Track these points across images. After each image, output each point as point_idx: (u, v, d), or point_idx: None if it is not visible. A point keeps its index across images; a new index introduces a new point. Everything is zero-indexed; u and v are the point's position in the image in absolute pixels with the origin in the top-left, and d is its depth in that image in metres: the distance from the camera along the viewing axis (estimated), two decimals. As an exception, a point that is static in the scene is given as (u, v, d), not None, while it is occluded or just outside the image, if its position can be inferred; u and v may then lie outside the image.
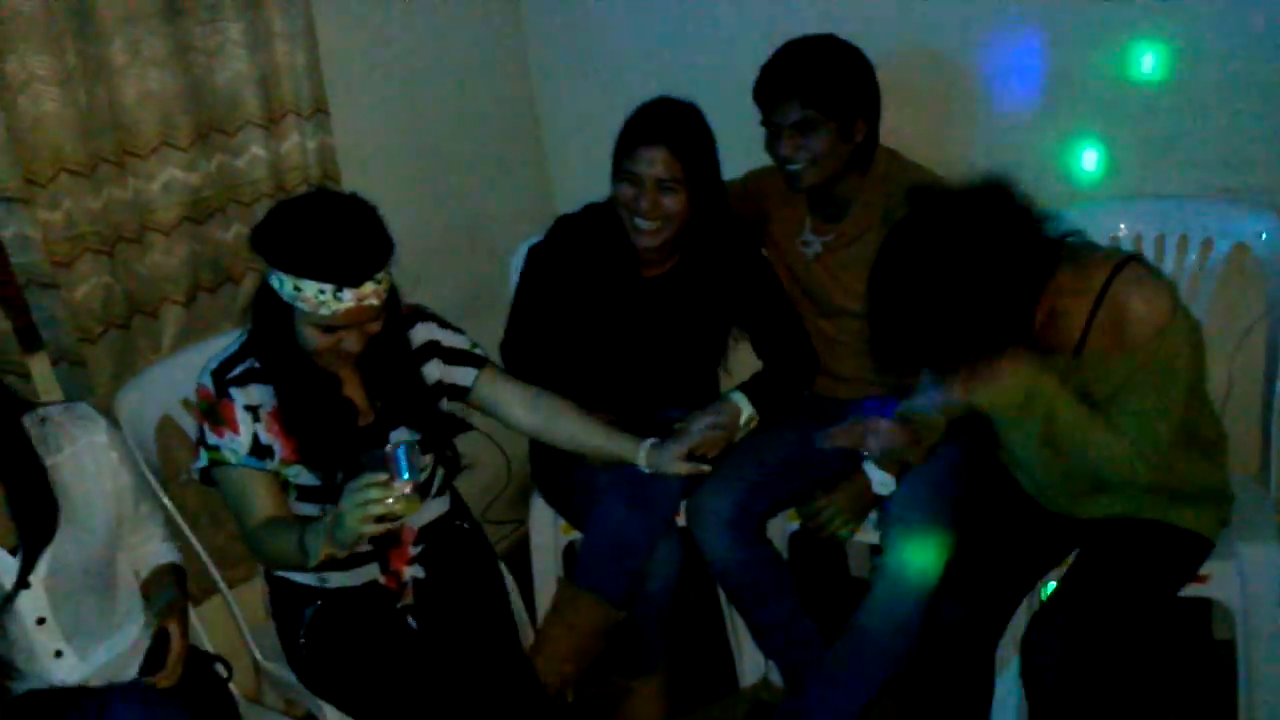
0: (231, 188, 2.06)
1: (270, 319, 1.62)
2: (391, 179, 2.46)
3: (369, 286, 1.56)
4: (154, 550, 1.70)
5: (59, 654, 1.55)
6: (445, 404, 1.84)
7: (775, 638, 2.12)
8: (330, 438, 1.66)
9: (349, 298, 1.55)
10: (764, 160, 2.08)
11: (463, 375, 1.85)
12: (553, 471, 2.18)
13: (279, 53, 2.08)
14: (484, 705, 1.69)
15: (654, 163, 1.94)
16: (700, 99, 2.32)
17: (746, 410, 2.06)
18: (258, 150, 2.08)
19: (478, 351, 1.87)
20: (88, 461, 1.56)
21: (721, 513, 2.02)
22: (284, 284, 1.56)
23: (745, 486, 2.05)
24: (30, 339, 1.82)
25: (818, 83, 1.92)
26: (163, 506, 1.74)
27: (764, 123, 2.00)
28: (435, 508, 1.85)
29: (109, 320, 1.87)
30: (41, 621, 1.52)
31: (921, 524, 1.91)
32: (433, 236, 2.58)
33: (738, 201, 2.23)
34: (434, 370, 1.82)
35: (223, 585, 1.90)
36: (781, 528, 2.19)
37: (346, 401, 1.70)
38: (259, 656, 1.90)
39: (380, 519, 1.47)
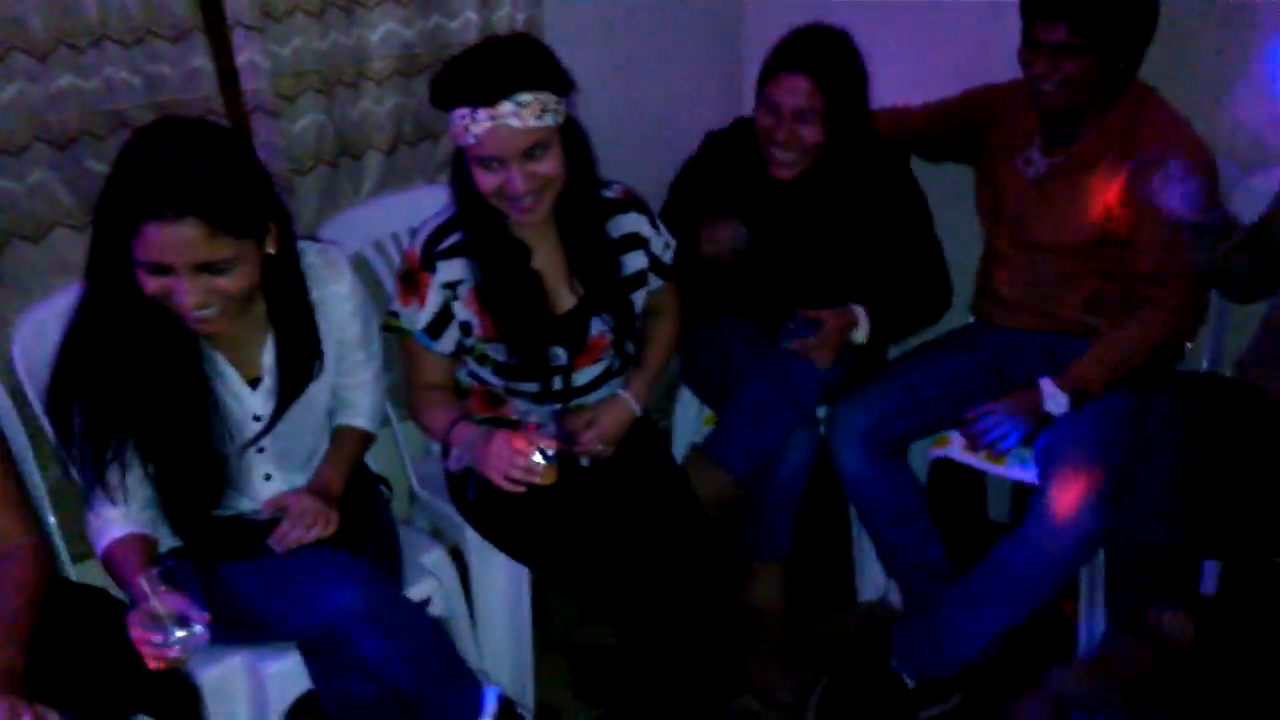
0: (443, 47, 2.14)
1: (462, 182, 1.66)
2: (592, 63, 2.48)
3: (506, 106, 1.52)
4: (354, 403, 1.75)
5: (268, 477, 1.65)
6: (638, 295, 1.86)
7: (900, 559, 2.13)
8: (519, 313, 1.70)
9: (484, 117, 1.52)
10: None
11: (655, 281, 1.87)
12: (701, 356, 2.22)
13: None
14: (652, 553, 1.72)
15: (795, 92, 1.93)
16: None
17: (863, 325, 2.05)
18: (471, 15, 2.15)
19: (667, 256, 1.87)
20: (332, 309, 1.62)
21: (859, 426, 2.03)
22: (448, 126, 1.59)
23: (889, 405, 2.05)
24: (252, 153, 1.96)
25: (1095, 7, 1.81)
26: (375, 356, 1.75)
27: (1024, 34, 1.91)
28: (612, 388, 1.90)
29: (319, 156, 2.01)
30: (261, 450, 1.62)
31: (1089, 463, 1.81)
32: (623, 129, 2.61)
33: (956, 116, 2.21)
34: (637, 261, 1.82)
35: (394, 416, 2.03)
36: (923, 454, 2.18)
37: (535, 276, 1.72)
38: (416, 485, 2.04)
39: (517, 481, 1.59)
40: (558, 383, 1.80)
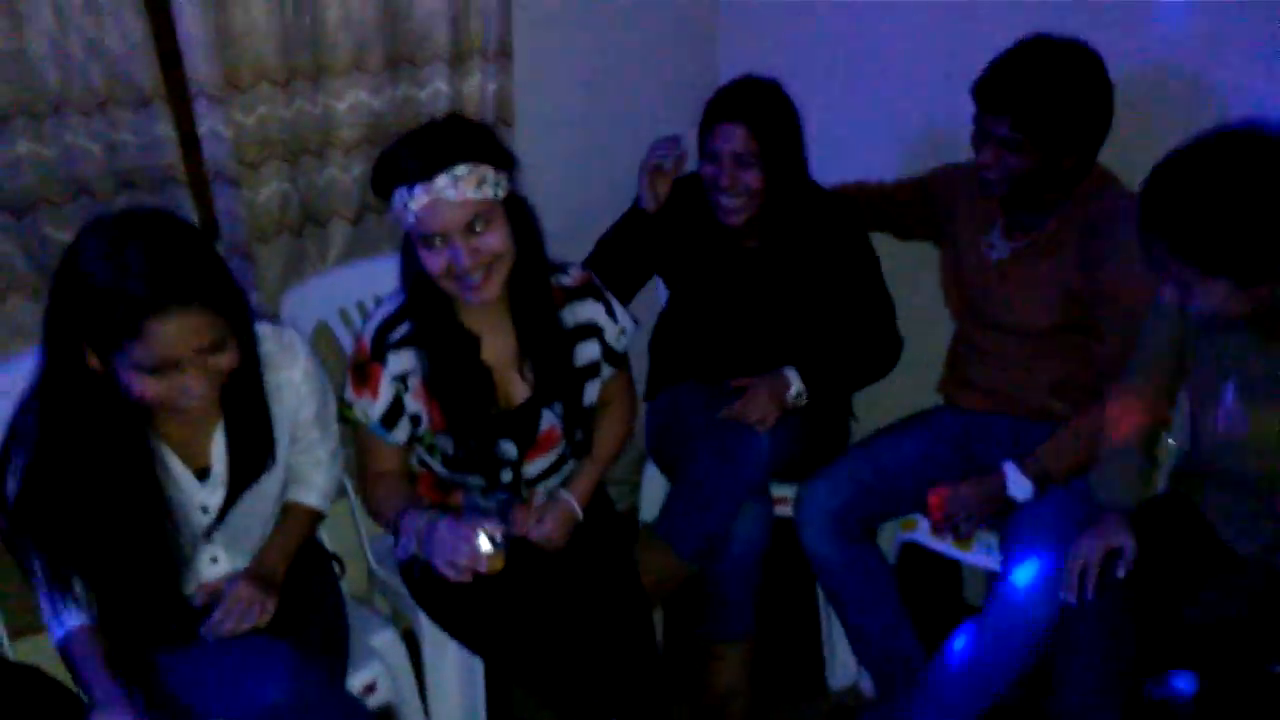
0: (412, 118, 2.13)
1: (410, 269, 1.62)
2: (565, 131, 2.52)
3: (442, 179, 1.49)
4: (306, 479, 1.72)
5: (214, 560, 1.61)
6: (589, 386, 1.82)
7: (872, 646, 2.09)
8: (467, 407, 1.67)
9: (420, 193, 1.50)
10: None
11: (607, 371, 1.83)
12: (660, 428, 2.21)
13: (474, -8, 2.15)
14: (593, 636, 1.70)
15: (732, 138, 1.97)
16: (884, 87, 2.26)
17: (795, 385, 2.04)
18: (441, 85, 2.14)
19: (621, 345, 1.83)
20: (286, 394, 1.59)
21: (826, 506, 2.00)
22: (390, 212, 1.58)
23: (857, 486, 2.02)
24: (208, 230, 1.94)
25: (1035, 107, 1.79)
26: (332, 434, 1.73)
27: (974, 118, 1.91)
28: (563, 475, 1.87)
29: (283, 224, 1.99)
30: (209, 536, 1.58)
31: (1052, 550, 1.79)
32: (598, 194, 2.61)
33: (918, 196, 2.22)
34: (590, 350, 1.78)
35: (351, 491, 1.98)
36: (893, 536, 2.15)
37: (484, 369, 1.68)
38: (373, 563, 1.99)
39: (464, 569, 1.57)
40: (507, 475, 1.76)
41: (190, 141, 1.83)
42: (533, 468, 1.79)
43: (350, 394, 1.70)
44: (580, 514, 1.81)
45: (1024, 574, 1.80)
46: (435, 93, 2.16)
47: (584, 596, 1.73)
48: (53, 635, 1.48)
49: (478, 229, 1.55)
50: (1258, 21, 1.92)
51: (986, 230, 2.05)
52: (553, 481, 1.84)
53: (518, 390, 1.73)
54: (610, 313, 1.80)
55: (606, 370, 1.82)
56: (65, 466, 1.39)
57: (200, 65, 1.76)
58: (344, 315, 2.09)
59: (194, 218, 1.86)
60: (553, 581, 1.74)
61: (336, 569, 1.80)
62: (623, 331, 1.82)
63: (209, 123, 1.80)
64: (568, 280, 1.76)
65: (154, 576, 1.50)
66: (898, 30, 2.44)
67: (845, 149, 2.34)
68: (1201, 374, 1.70)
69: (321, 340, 2.05)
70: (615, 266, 2.12)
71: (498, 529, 1.58)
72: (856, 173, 2.34)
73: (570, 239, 2.56)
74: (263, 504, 1.63)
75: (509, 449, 1.74)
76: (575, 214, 2.58)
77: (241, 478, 1.55)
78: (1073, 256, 1.91)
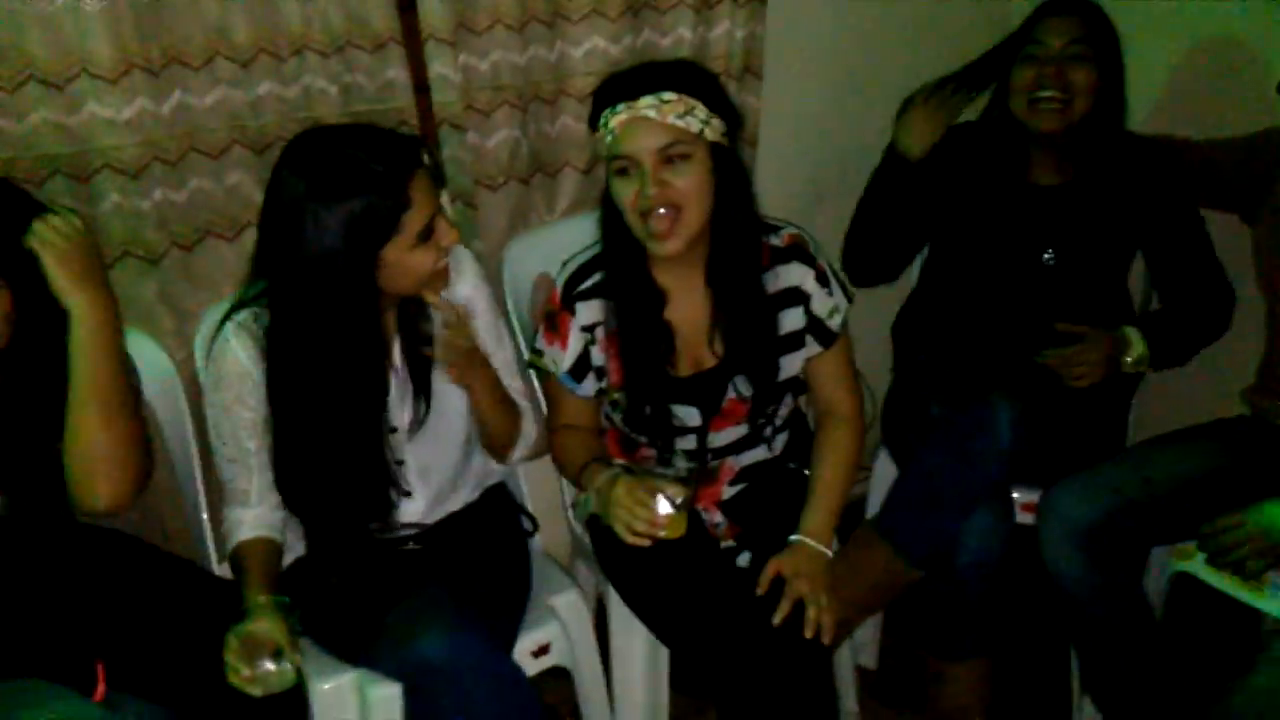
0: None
1: (606, 214, 1.57)
2: (817, 82, 2.34)
3: (647, 99, 1.44)
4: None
5: (409, 494, 1.61)
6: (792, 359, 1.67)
7: (1116, 695, 1.78)
8: (643, 365, 1.58)
9: (623, 110, 1.45)
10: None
11: (811, 344, 1.67)
12: (897, 416, 2.00)
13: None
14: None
15: (1064, 30, 1.76)
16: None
17: (1137, 348, 1.79)
18: (684, 32, 2.04)
19: (833, 323, 1.66)
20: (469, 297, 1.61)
21: (1077, 520, 1.70)
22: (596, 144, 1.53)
23: (1117, 499, 1.70)
24: (435, 177, 1.95)
25: None
26: (512, 369, 1.71)
27: None
28: (774, 445, 1.74)
29: (512, 172, 1.97)
30: (401, 462, 1.59)
31: None
32: (851, 149, 2.40)
33: (1240, 154, 1.88)
34: (793, 319, 1.64)
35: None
36: (1163, 566, 1.81)
37: (665, 327, 1.60)
38: (573, 520, 1.94)
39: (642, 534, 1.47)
40: (690, 441, 1.64)
41: (424, 86, 1.83)
42: (720, 438, 1.66)
43: (542, 342, 1.66)
44: (829, 551, 1.63)
45: None
46: (678, 40, 2.06)
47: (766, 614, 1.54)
48: (226, 546, 1.53)
49: (674, 163, 1.46)
50: None
51: None
52: (745, 457, 1.69)
53: (707, 354, 1.61)
54: (822, 280, 1.62)
55: (813, 346, 1.65)
56: (322, 354, 1.45)
57: (435, 7, 1.75)
58: (568, 269, 2.05)
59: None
60: (738, 583, 1.60)
61: (528, 525, 1.76)
62: (835, 309, 1.64)
63: (439, 67, 1.80)
64: (776, 240, 1.62)
65: (370, 488, 1.54)
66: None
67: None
68: None
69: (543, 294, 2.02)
70: (882, 228, 1.95)
71: (679, 489, 1.47)
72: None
73: (814, 201, 2.41)
74: (448, 426, 1.62)
75: (690, 414, 1.63)
76: (831, 174, 2.41)
77: (419, 380, 1.56)
78: None
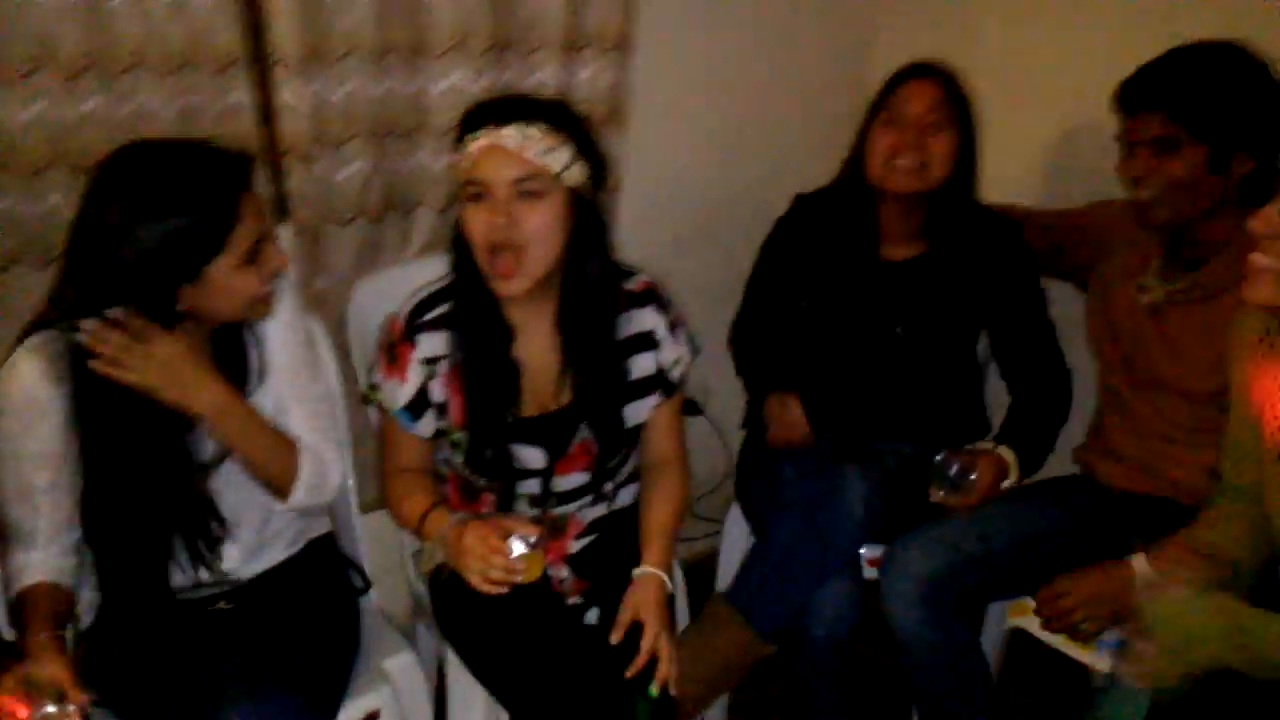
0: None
1: (457, 242, 1.51)
2: (682, 131, 2.34)
3: (511, 129, 1.40)
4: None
5: (220, 540, 1.48)
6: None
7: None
8: (487, 404, 1.52)
9: (485, 136, 1.41)
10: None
11: (655, 396, 1.64)
12: (750, 475, 1.99)
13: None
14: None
15: (922, 96, 1.78)
16: (1053, 107, 2.10)
17: (1013, 472, 1.80)
18: (549, 75, 2.01)
19: (675, 373, 1.63)
20: (272, 342, 1.49)
21: (917, 575, 1.72)
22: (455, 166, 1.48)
23: (956, 555, 1.74)
24: (279, 208, 1.85)
25: (1190, 93, 1.57)
26: (317, 408, 1.55)
27: (1118, 136, 1.68)
28: (623, 496, 1.70)
29: (362, 208, 1.88)
30: (216, 514, 1.47)
31: None
32: (715, 201, 2.44)
33: (1074, 229, 1.95)
34: (645, 365, 1.61)
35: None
36: (1000, 621, 1.85)
37: (512, 365, 1.54)
38: (411, 576, 1.85)
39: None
40: (533, 485, 1.59)
41: (270, 113, 1.74)
42: (565, 482, 1.61)
43: (378, 375, 1.58)
44: (670, 584, 1.59)
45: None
46: (542, 82, 2.02)
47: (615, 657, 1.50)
48: (15, 583, 1.38)
49: (528, 198, 1.42)
50: None
51: (1141, 270, 1.76)
52: (589, 507, 1.65)
53: (554, 396, 1.56)
54: (674, 329, 1.61)
55: (655, 396, 1.62)
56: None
57: (286, 30, 1.67)
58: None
59: (267, 193, 1.78)
60: (585, 641, 1.55)
61: (358, 581, 1.66)
62: (679, 360, 1.62)
63: (288, 94, 1.71)
64: (630, 285, 1.59)
65: (176, 527, 1.43)
66: (1074, 49, 2.17)
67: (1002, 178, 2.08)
68: None
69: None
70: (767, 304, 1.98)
71: (532, 528, 1.41)
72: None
73: (676, 250, 2.41)
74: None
75: (535, 456, 1.57)
76: (693, 224, 2.41)
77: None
78: (1238, 302, 1.61)
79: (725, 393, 2.26)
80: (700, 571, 2.19)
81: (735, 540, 2.10)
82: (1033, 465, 1.84)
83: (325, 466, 1.51)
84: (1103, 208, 1.90)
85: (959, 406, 1.96)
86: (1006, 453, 1.81)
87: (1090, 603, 1.59)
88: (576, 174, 1.45)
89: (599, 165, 1.50)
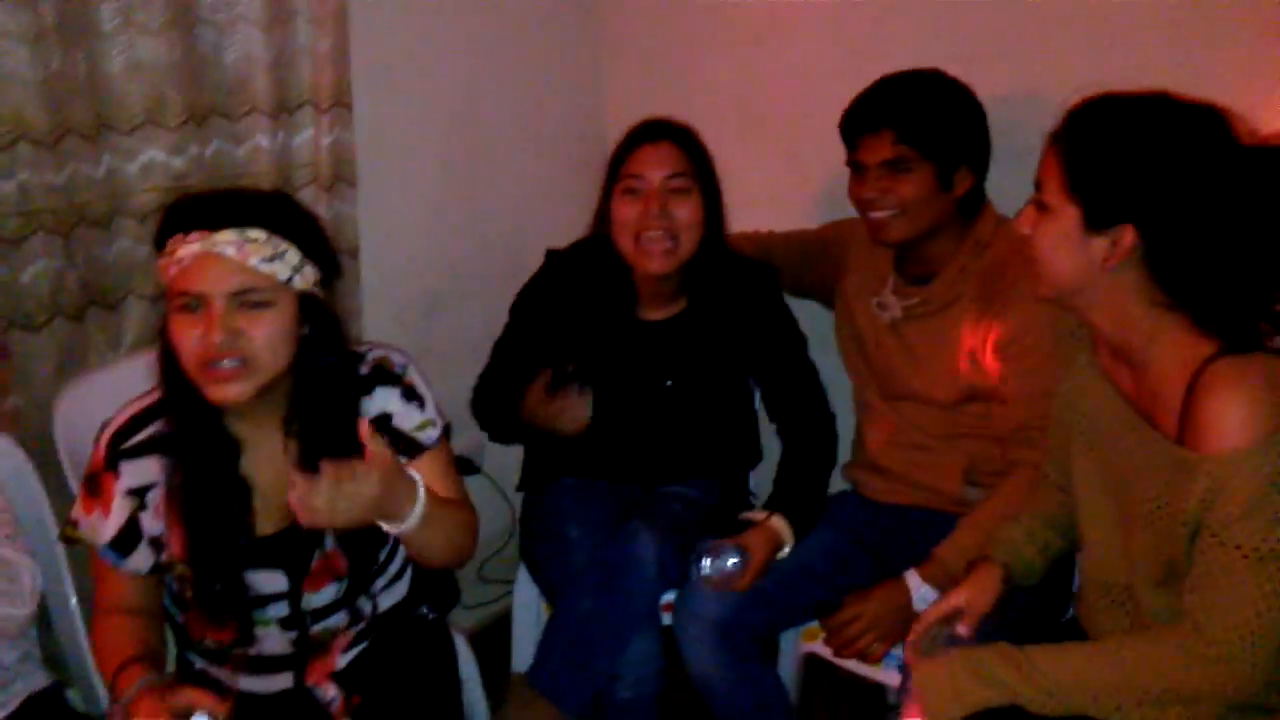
0: (226, 178, 1.84)
1: (165, 352, 1.33)
2: (419, 187, 2.25)
3: (228, 234, 1.24)
4: None
5: None
6: None
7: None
8: (211, 532, 1.35)
9: (196, 240, 1.24)
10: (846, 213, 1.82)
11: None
12: (535, 539, 1.91)
13: (300, 35, 1.87)
14: None
15: (661, 161, 1.72)
16: (783, 132, 2.12)
17: (788, 538, 1.75)
18: (262, 140, 1.86)
19: (424, 436, 1.47)
20: None
21: (711, 617, 1.70)
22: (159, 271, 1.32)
23: (742, 595, 1.72)
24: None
25: (916, 115, 1.64)
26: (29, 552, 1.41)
27: (849, 161, 1.72)
28: (390, 596, 1.54)
29: (56, 308, 1.67)
30: None
31: None
32: (463, 255, 2.35)
33: (812, 250, 1.99)
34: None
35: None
36: (794, 647, 1.86)
37: (240, 485, 1.38)
38: None
39: None
40: (280, 609, 1.42)
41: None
42: (318, 599, 1.44)
43: (78, 510, 1.39)
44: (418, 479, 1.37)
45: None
46: (255, 149, 1.87)
47: None
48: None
49: (250, 309, 1.27)
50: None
51: (878, 288, 1.81)
52: (347, 623, 1.49)
53: (290, 509, 1.41)
54: (409, 396, 1.45)
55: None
56: None
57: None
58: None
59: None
60: None
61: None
62: (429, 423, 1.48)
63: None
64: (363, 368, 1.44)
65: None
66: (796, 75, 2.22)
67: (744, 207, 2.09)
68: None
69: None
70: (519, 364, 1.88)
71: (217, 705, 1.23)
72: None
73: (429, 310, 2.30)
74: None
75: (275, 580, 1.41)
76: (447, 278, 2.31)
77: None
78: (970, 311, 1.69)
79: (501, 449, 2.17)
80: (492, 636, 2.10)
81: (527, 602, 2.01)
82: (807, 526, 1.79)
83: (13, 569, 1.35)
84: (836, 227, 1.96)
85: (734, 443, 1.95)
86: (779, 522, 1.75)
87: (874, 626, 1.62)
88: (308, 277, 1.31)
89: (329, 262, 1.36)
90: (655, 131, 1.76)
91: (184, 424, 1.34)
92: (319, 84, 1.90)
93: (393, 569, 1.54)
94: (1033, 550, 1.47)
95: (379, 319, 2.20)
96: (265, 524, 1.40)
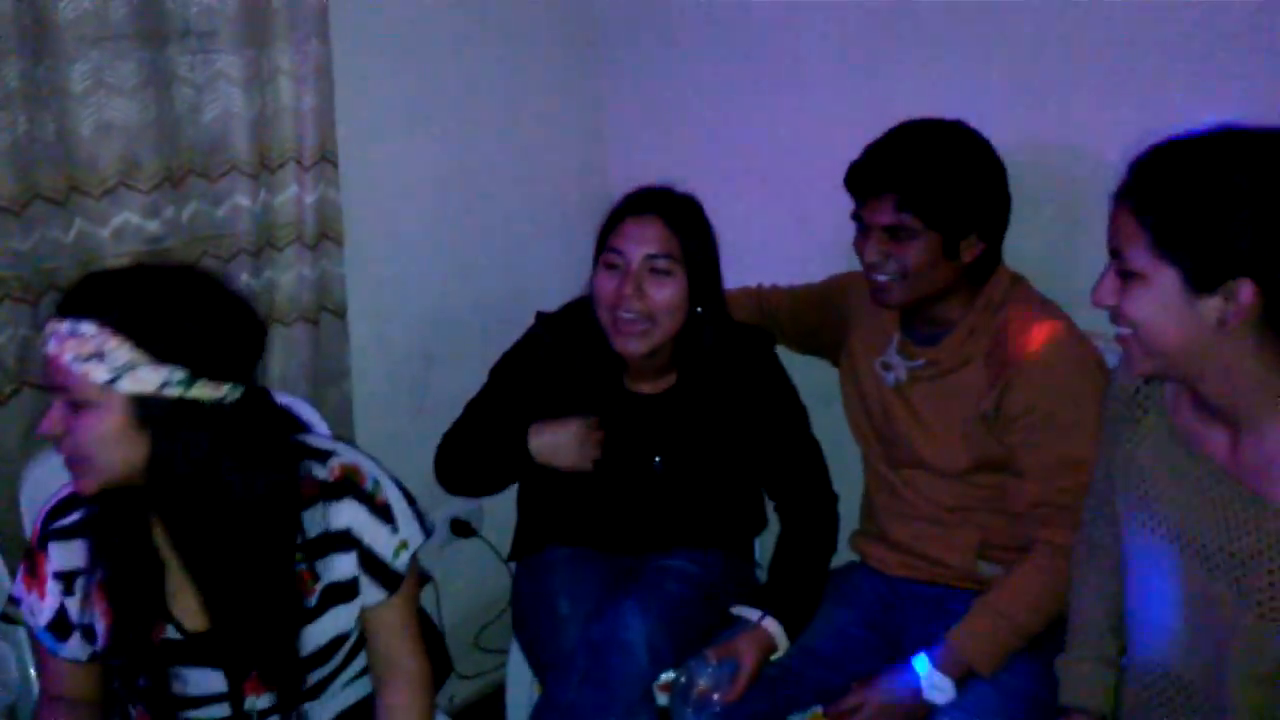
0: (205, 239, 1.79)
1: None
2: (411, 242, 2.18)
3: (62, 326, 1.13)
4: None
5: None
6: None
7: None
8: (127, 618, 1.26)
9: (49, 327, 1.15)
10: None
11: (371, 591, 1.35)
12: (525, 614, 1.81)
13: (283, 93, 1.82)
14: None
15: (644, 238, 1.60)
16: (790, 183, 2.04)
17: (781, 641, 1.62)
18: (242, 200, 1.81)
19: (400, 561, 1.35)
20: None
21: (712, 705, 1.58)
22: None
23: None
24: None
25: (922, 180, 1.52)
26: None
27: (854, 216, 1.62)
28: (347, 696, 1.44)
29: (23, 379, 1.62)
30: None
31: None
32: (459, 312, 2.28)
33: (816, 306, 1.89)
34: (345, 566, 1.32)
35: None
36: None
37: (157, 567, 1.27)
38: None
39: None
40: (220, 711, 1.32)
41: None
42: (262, 701, 1.34)
43: (19, 587, 1.31)
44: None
45: None
46: (235, 209, 1.82)
47: None
48: None
49: (79, 411, 1.15)
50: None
51: (883, 348, 1.70)
52: (329, 707, 1.40)
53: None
54: (384, 515, 1.34)
55: (372, 592, 1.36)
56: None
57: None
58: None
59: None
60: None
61: None
62: (404, 545, 1.35)
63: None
64: (322, 473, 1.32)
65: None
66: (805, 124, 2.13)
67: (751, 265, 2.01)
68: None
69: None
70: (485, 475, 1.80)
71: None
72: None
73: (426, 365, 2.23)
74: None
75: (211, 679, 1.31)
76: (428, 340, 2.24)
77: None
78: (981, 375, 1.58)
79: (500, 510, 2.09)
80: (489, 707, 2.01)
81: (519, 678, 1.91)
82: (801, 625, 1.66)
83: None
84: (840, 281, 1.86)
85: (733, 515, 1.84)
86: (772, 625, 1.61)
87: (879, 716, 1.51)
88: (142, 380, 1.14)
89: (211, 363, 1.18)
90: (642, 204, 1.65)
91: (103, 509, 1.26)
92: (302, 140, 1.84)
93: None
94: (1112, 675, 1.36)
95: (372, 378, 2.13)
96: (197, 619, 1.31)
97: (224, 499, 1.21)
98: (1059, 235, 1.80)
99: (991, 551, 1.63)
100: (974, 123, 1.60)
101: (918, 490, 1.69)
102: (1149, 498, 1.22)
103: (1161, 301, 1.09)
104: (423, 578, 2.03)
